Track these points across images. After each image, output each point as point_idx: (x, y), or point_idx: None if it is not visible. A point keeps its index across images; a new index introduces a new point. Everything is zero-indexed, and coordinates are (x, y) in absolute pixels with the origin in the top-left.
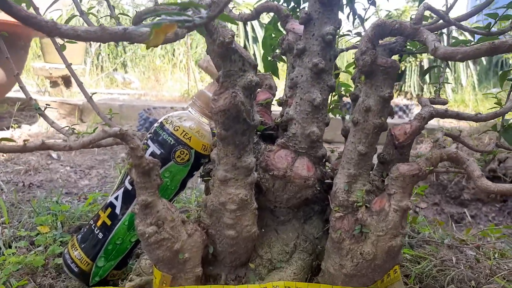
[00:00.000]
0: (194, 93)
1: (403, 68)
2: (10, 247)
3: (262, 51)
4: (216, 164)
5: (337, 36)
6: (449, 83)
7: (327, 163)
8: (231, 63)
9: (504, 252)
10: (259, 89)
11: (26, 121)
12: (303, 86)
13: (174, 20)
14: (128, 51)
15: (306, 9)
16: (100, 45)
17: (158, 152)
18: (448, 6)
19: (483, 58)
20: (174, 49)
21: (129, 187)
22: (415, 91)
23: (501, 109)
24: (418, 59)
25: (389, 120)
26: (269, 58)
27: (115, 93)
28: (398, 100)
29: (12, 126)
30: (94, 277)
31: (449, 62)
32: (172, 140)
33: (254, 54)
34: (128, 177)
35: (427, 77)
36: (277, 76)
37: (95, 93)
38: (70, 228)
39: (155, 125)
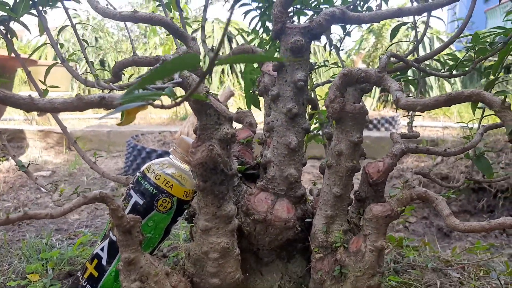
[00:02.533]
0: (182, 114)
1: None
2: None
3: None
4: (197, 214)
5: (315, 67)
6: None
7: (309, 196)
8: (207, 117)
9: (489, 270)
10: (240, 127)
11: (14, 152)
12: (279, 130)
13: (144, 102)
14: None
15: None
16: (86, 69)
17: (140, 202)
18: (416, 42)
19: None
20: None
21: (114, 238)
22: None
23: (469, 143)
24: None
25: (375, 133)
26: (250, 91)
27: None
28: (384, 112)
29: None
30: None
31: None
32: (154, 190)
33: (241, 70)
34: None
35: (411, 87)
36: (259, 108)
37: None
38: (59, 274)
39: (137, 174)
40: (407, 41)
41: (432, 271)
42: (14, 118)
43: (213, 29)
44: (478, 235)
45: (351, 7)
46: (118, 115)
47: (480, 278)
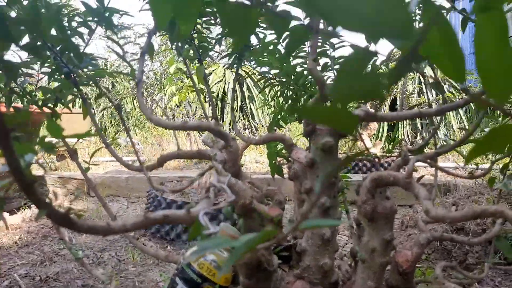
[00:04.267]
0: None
1: (394, 121)
2: None
3: (258, 109)
4: None
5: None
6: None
7: (338, 271)
8: (252, 220)
9: None
10: (269, 205)
11: None
12: None
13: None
14: (131, 118)
15: (310, 154)
16: (103, 114)
17: None
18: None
19: (472, 105)
20: (174, 114)
21: None
22: (409, 139)
23: (490, 233)
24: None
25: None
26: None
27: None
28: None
29: (22, 207)
30: None
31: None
32: (198, 278)
33: (251, 112)
34: None
35: (418, 125)
36: (283, 176)
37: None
38: None
39: (182, 261)
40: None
41: None
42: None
43: (224, 73)
44: (497, 286)
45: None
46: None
47: None
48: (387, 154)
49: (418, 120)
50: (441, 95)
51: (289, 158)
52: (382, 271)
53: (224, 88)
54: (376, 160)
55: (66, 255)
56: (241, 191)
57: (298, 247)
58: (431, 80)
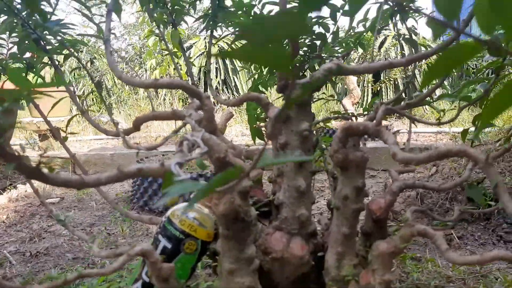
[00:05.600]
0: (181, 132)
1: (378, 88)
2: None
3: (242, 82)
4: (221, 256)
5: (314, 101)
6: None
7: (319, 227)
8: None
9: (488, 284)
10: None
11: (20, 180)
12: (289, 175)
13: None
14: (113, 95)
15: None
16: (83, 92)
17: (168, 246)
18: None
19: (454, 72)
20: (158, 90)
21: (147, 279)
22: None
23: (460, 178)
24: (392, 79)
25: (370, 144)
26: (254, 126)
27: (104, 138)
28: None
29: (7, 188)
30: None
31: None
32: (180, 234)
33: (236, 85)
34: (145, 270)
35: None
36: (264, 140)
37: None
38: None
39: (164, 219)
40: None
41: None
42: (16, 143)
43: (205, 46)
44: (476, 243)
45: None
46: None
47: None
48: (364, 112)
49: (401, 86)
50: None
51: (266, 119)
52: (355, 218)
53: (206, 62)
54: (353, 118)
55: (56, 231)
56: (215, 146)
57: (276, 200)
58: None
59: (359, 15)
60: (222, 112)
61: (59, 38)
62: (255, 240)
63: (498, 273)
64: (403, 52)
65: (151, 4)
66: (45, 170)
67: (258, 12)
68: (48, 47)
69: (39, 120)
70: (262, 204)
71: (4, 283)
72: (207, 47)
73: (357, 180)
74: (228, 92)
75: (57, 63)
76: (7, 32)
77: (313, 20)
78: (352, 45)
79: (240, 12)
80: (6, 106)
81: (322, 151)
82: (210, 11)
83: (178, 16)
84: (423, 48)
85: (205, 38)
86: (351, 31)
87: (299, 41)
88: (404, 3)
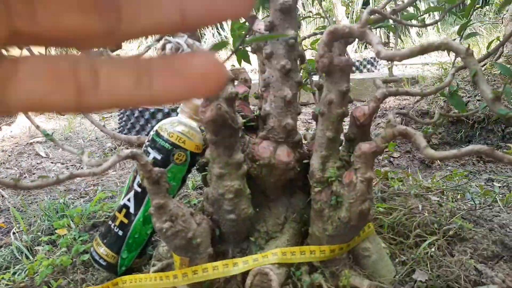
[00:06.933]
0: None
1: None
2: (31, 250)
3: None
4: (210, 163)
5: (301, 19)
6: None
7: (304, 141)
8: None
9: (464, 193)
10: (235, 83)
11: (4, 122)
12: (275, 85)
13: None
14: None
15: (269, 17)
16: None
17: (158, 157)
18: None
19: None
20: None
21: (139, 190)
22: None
23: (442, 83)
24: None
25: (358, 76)
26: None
27: None
28: (365, 54)
29: None
30: (120, 267)
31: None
32: (169, 146)
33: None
34: (136, 181)
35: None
36: (250, 63)
37: None
38: (85, 227)
39: (152, 133)
40: None
41: (415, 197)
42: None
43: None
44: (457, 164)
45: None
46: None
47: (458, 200)
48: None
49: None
50: None
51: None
52: (339, 122)
53: None
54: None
55: (46, 167)
56: (199, 51)
57: (262, 111)
58: None
59: None
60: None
61: None
62: (243, 151)
63: (476, 187)
64: None
65: None
66: None
67: None
68: None
69: None
70: (249, 119)
71: None
72: None
73: (342, 85)
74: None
75: None
76: None
77: None
78: None
79: None
80: None
81: (308, 74)
82: None
83: None
84: None
85: None
86: None
87: None
88: None
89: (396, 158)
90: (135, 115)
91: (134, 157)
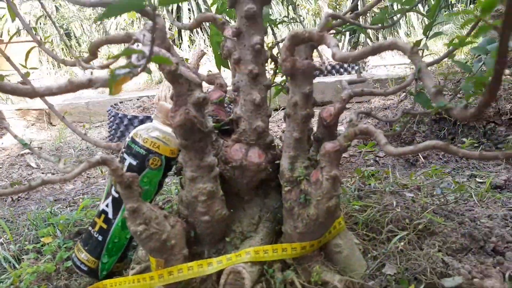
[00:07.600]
0: (157, 78)
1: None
2: (18, 259)
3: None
4: (184, 166)
5: (277, 23)
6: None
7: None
8: (180, 86)
9: (439, 188)
10: (211, 89)
11: None
12: (244, 89)
13: (126, 73)
14: (82, 44)
15: (236, 24)
16: (52, 41)
17: (134, 163)
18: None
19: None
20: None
21: (116, 195)
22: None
23: (404, 82)
24: None
25: (346, 77)
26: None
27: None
28: None
29: None
30: (101, 271)
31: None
32: (144, 151)
33: (207, 32)
34: (114, 187)
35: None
36: (229, 68)
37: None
38: (70, 234)
39: (127, 140)
40: None
41: (390, 194)
42: None
43: None
44: (440, 162)
45: None
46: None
47: (433, 196)
48: None
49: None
50: None
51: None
52: (304, 123)
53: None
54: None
55: (35, 179)
56: (163, 55)
57: (234, 115)
58: None
59: None
60: (193, 51)
61: None
62: (216, 154)
63: (450, 178)
64: None
65: None
66: None
67: None
68: None
69: (9, 73)
70: (224, 123)
71: None
72: None
73: (305, 87)
74: (204, 35)
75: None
76: None
77: None
78: None
79: None
80: None
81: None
82: None
83: None
84: None
85: None
86: None
87: None
88: None
89: (382, 157)
90: (125, 123)
91: (104, 163)
